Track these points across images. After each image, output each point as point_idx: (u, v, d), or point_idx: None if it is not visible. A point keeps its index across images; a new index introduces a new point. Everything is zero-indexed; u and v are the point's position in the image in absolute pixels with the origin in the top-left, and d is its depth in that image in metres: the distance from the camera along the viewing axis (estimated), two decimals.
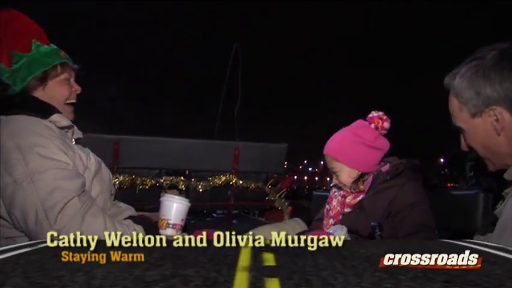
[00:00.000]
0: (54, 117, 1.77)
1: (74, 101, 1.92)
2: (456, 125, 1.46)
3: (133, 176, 3.19)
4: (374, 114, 2.14)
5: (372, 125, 2.11)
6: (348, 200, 2.08)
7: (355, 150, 2.05)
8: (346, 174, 2.05)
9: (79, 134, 1.95)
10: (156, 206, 1.93)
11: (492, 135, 1.34)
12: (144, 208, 2.30)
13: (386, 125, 2.11)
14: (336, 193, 2.15)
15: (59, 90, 1.84)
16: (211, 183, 3.34)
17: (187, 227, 2.01)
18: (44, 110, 1.77)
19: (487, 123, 1.34)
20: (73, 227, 1.59)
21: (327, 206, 2.17)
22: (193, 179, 3.34)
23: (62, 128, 1.81)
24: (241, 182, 3.40)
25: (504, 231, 1.21)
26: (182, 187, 3.26)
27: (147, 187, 3.21)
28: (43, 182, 1.60)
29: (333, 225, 2.03)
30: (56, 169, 1.63)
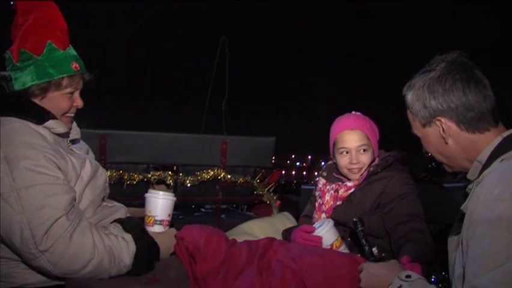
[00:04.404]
0: (50, 123, 1.66)
1: (72, 115, 1.79)
2: (413, 133, 1.56)
3: (121, 171, 3.15)
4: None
5: None
6: (340, 193, 2.08)
7: (376, 136, 2.15)
8: (370, 154, 2.09)
9: (76, 133, 1.86)
10: (144, 202, 1.90)
11: (443, 143, 1.44)
12: (132, 203, 2.27)
13: None
14: (328, 187, 2.15)
15: (59, 103, 1.71)
16: (199, 177, 3.31)
17: (174, 222, 1.99)
18: (39, 116, 1.65)
19: (437, 132, 1.44)
20: (59, 248, 1.50)
21: (319, 200, 2.17)
22: (181, 174, 3.30)
23: (57, 134, 1.70)
24: (229, 176, 3.37)
25: (470, 225, 1.26)
26: (170, 182, 3.22)
27: (135, 182, 3.17)
28: (30, 198, 1.49)
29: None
30: (44, 184, 1.53)
